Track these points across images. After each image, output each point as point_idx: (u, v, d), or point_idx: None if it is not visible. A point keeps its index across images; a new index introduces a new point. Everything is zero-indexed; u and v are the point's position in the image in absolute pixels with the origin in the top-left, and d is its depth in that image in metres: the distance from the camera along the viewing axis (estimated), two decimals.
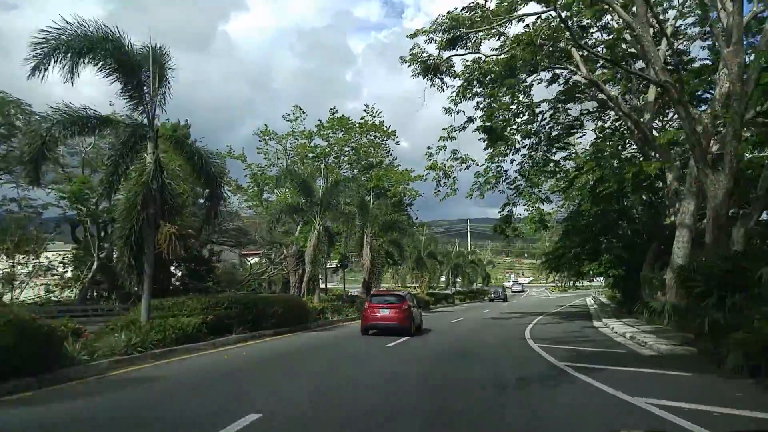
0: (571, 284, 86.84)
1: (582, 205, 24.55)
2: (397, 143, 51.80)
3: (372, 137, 50.84)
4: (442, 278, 70.61)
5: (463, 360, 12.49)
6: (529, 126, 26.74)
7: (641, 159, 22.84)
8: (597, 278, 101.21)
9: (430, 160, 24.09)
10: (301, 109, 47.31)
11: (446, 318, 29.65)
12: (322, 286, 55.06)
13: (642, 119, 22.03)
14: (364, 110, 49.56)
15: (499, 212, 28.44)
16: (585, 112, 28.46)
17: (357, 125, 49.84)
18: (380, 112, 49.83)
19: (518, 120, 26.52)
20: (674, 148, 22.33)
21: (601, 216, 25.77)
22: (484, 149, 26.54)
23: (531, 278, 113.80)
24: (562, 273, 39.13)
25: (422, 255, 42.76)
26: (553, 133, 26.79)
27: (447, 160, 24.22)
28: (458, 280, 59.23)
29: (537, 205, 26.30)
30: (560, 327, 23.16)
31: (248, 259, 46.85)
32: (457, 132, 24.96)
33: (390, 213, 33.93)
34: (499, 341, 16.61)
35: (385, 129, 50.53)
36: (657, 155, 22.15)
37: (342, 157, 48.92)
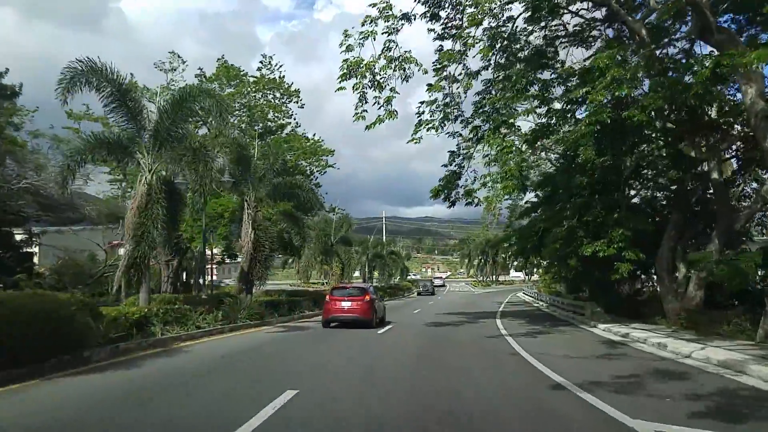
0: (494, 279, 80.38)
1: (582, 153, 15.49)
2: (302, 106, 41.59)
3: (271, 98, 40.63)
4: (356, 273, 60.91)
5: None
6: (499, 29, 17.43)
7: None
8: (514, 272, 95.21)
9: (348, 57, 13.87)
10: (179, 57, 36.04)
11: None
12: (216, 281, 43.75)
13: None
14: (261, 63, 39.06)
15: (445, 166, 19.09)
16: (561, 33, 19.67)
17: (251, 78, 39.26)
18: (280, 66, 39.61)
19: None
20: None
21: (610, 170, 16.91)
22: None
23: (448, 273, 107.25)
24: (536, 259, 30.08)
25: (333, 241, 32.53)
26: (537, 41, 17.63)
27: (378, 57, 14.17)
28: (375, 274, 49.61)
29: (512, 154, 17.03)
30: (562, 342, 13.95)
31: (111, 248, 35.12)
32: (397, 21, 15.05)
33: (287, 174, 23.47)
34: (520, 399, 6.82)
35: (287, 87, 40.33)
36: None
37: (230, 118, 38.26)
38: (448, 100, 18.22)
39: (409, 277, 63.84)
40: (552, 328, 17.91)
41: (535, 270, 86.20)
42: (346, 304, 17.81)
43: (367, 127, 14.34)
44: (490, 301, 42.77)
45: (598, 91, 14.06)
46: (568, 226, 16.73)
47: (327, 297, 18.81)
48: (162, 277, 25.57)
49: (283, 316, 20.72)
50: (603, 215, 16.48)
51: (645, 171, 18.27)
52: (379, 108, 14.33)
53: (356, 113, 14.01)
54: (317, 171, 42.78)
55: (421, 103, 17.52)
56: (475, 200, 18.69)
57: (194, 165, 13.93)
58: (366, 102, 14.15)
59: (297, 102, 40.71)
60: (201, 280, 32.65)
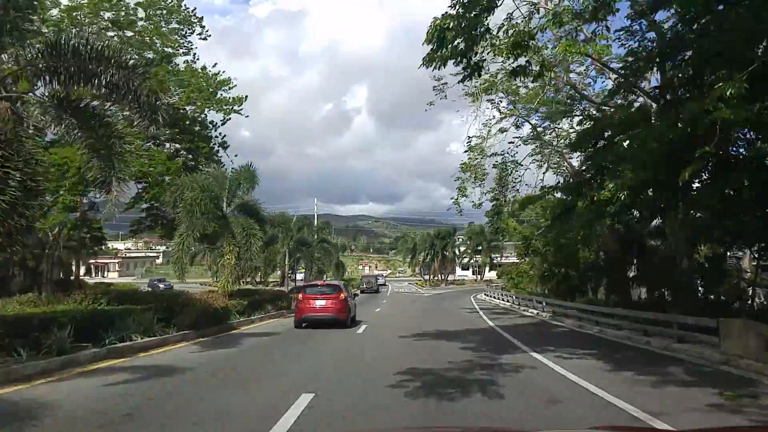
0: (443, 278, 69.67)
1: None
2: (205, 38, 29.42)
3: (163, 24, 28.41)
4: (278, 272, 48.42)
5: None
6: None
7: None
8: (460, 270, 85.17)
9: None
10: None
11: (247, 381, 7.86)
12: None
13: None
14: None
15: None
16: None
17: None
18: None
19: None
20: None
21: None
22: None
23: (388, 271, 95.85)
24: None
25: (224, 207, 20.04)
26: None
27: None
28: (301, 269, 37.05)
29: None
30: None
31: None
32: None
33: None
34: None
35: (184, 11, 28.31)
36: None
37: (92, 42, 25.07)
38: None
39: (346, 275, 51.93)
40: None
41: (488, 268, 76.57)
42: (320, 303, 16.81)
43: None
44: (455, 306, 31.67)
45: None
46: None
47: (300, 295, 17.97)
48: None
49: (29, 362, 8.23)
50: None
51: None
52: None
53: None
54: (219, 117, 30.73)
55: None
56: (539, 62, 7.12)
57: None
58: None
59: (201, 34, 28.64)
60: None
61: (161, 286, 44.35)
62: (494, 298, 38.78)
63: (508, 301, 33.41)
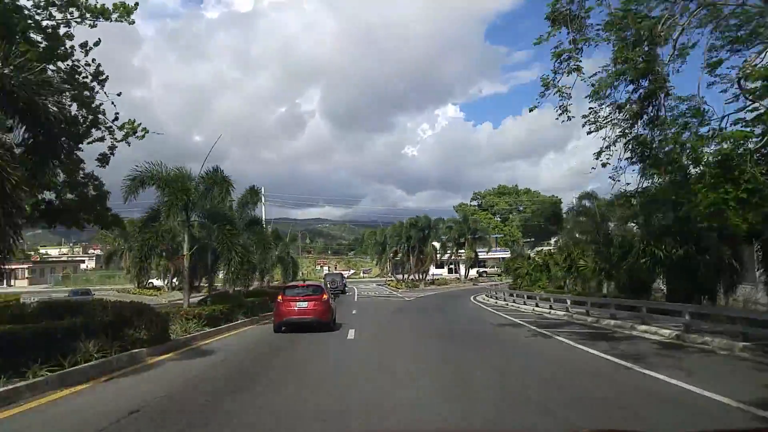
0: (420, 277, 56.89)
1: None
2: None
3: None
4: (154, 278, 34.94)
5: None
6: None
7: None
8: (434, 268, 71.93)
9: None
10: None
11: None
12: None
13: None
14: None
15: None
16: None
17: None
18: None
19: None
20: None
21: None
22: None
23: (351, 271, 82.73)
24: None
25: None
26: None
27: None
28: (228, 268, 23.55)
29: None
30: None
31: None
32: None
33: None
34: None
35: None
36: None
37: None
38: None
39: (299, 276, 38.97)
40: None
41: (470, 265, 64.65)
42: (302, 305, 15.63)
43: None
44: (473, 316, 19.38)
45: None
46: None
47: (279, 297, 16.36)
48: None
49: None
50: None
51: None
52: None
53: None
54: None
55: None
56: None
57: None
58: None
59: None
60: None
61: (73, 299, 31.55)
62: (513, 303, 26.59)
63: (552, 307, 21.14)
